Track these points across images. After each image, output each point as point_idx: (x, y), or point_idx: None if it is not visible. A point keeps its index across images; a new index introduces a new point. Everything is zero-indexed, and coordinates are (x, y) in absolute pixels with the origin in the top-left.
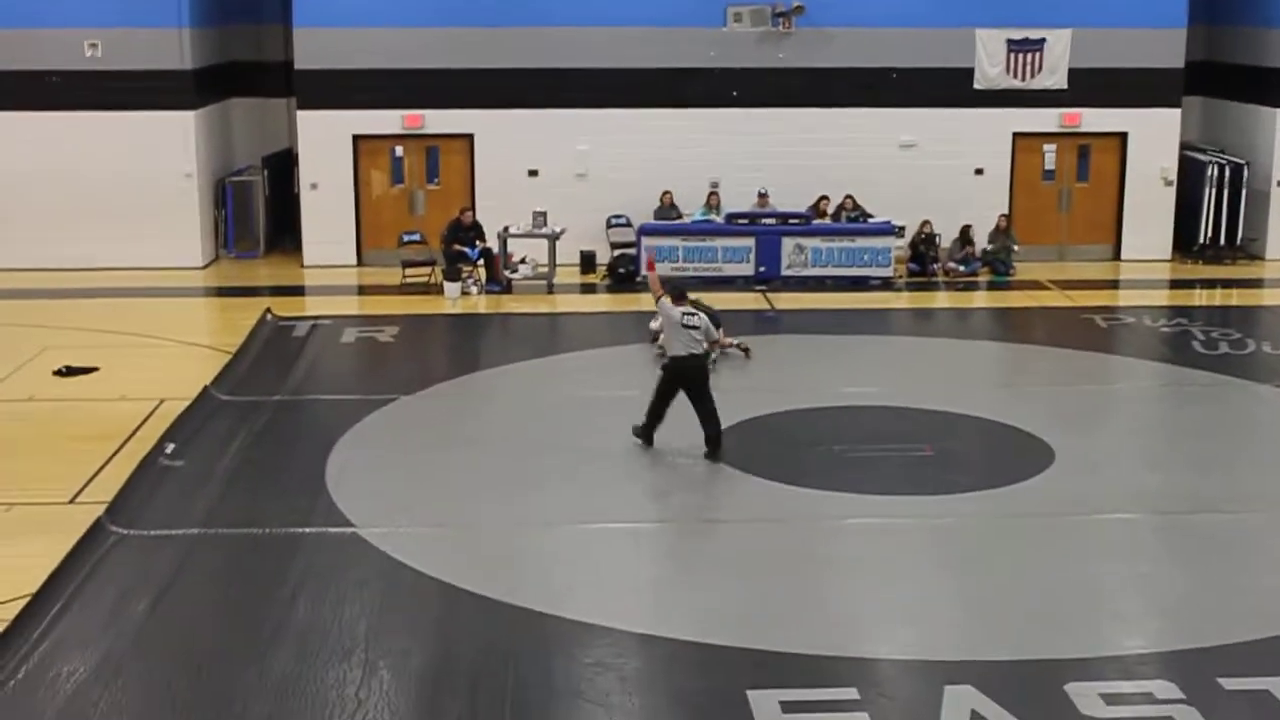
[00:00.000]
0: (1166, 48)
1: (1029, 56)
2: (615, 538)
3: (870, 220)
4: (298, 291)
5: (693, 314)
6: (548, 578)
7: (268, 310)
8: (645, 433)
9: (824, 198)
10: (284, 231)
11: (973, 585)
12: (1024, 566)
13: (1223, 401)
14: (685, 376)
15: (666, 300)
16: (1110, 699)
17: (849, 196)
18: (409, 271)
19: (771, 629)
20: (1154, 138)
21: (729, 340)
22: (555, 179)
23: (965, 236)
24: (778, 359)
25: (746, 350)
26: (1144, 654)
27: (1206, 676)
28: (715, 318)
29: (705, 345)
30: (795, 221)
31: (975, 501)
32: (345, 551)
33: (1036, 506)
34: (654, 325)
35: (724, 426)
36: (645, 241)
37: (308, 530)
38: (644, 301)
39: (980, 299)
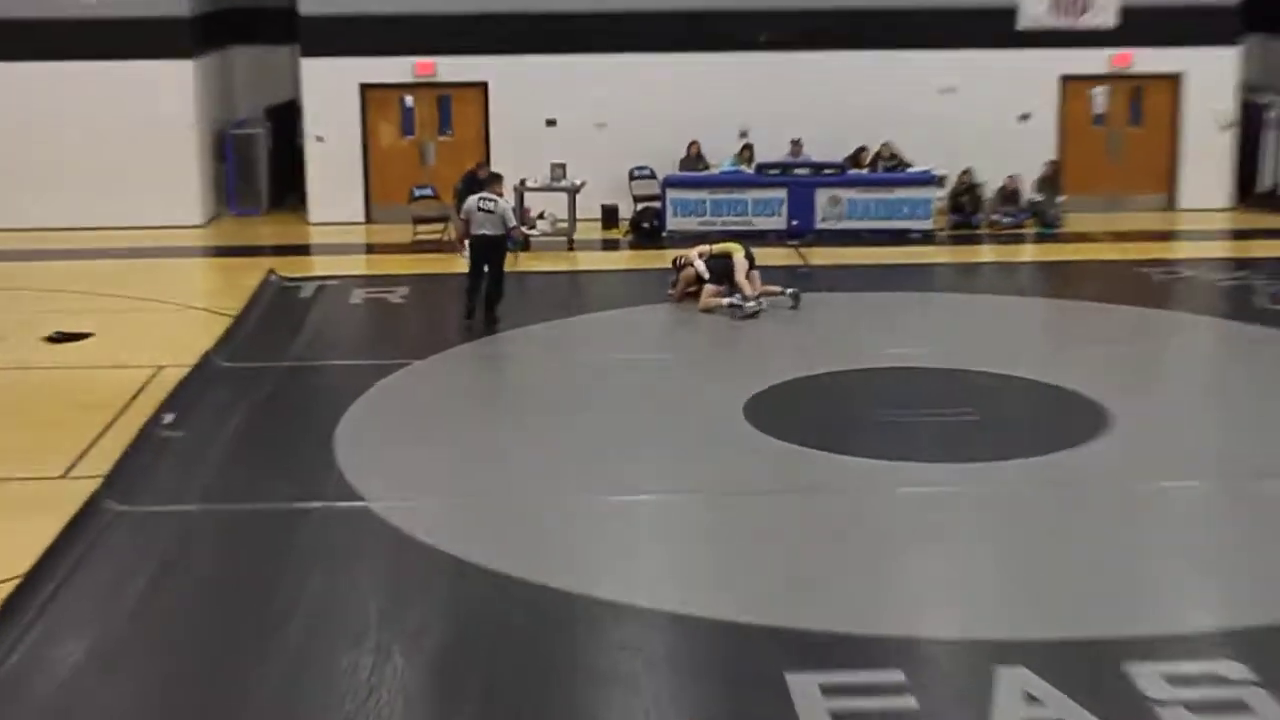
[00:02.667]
0: None
1: None
2: (642, 510)
3: (909, 169)
4: (303, 250)
5: (489, 200)
6: (571, 553)
7: (271, 271)
8: (467, 309)
9: (862, 149)
10: (288, 187)
11: (1024, 558)
12: (1079, 538)
13: None
14: (483, 251)
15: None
16: (1174, 680)
17: (887, 144)
18: (420, 228)
19: (810, 607)
20: (1211, 78)
21: (774, 288)
22: (574, 128)
23: (1010, 185)
24: (812, 318)
25: (796, 296)
26: (1210, 632)
27: (1279, 656)
28: (750, 258)
29: (502, 229)
30: (829, 171)
31: (1025, 469)
32: (356, 527)
33: (1092, 473)
34: (680, 272)
35: (760, 389)
36: (670, 194)
37: (316, 505)
38: (670, 258)
39: (1027, 252)
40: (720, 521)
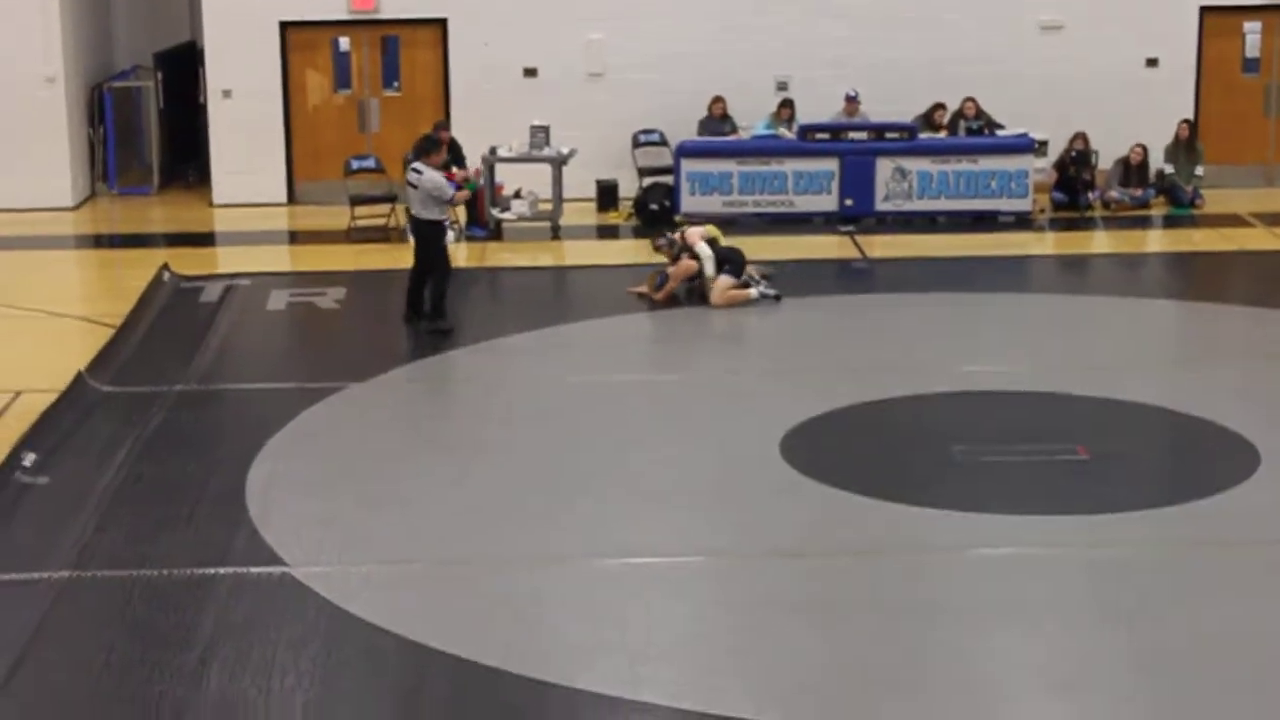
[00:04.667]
0: None
1: None
2: (646, 577)
3: (1000, 133)
4: (206, 240)
5: (415, 170)
6: (555, 633)
7: (165, 266)
8: (405, 307)
9: (939, 106)
10: (186, 158)
11: (1150, 643)
12: (1223, 616)
13: None
14: (414, 237)
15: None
16: None
17: (970, 100)
18: (360, 211)
19: (866, 705)
20: None
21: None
22: (561, 80)
23: (1135, 156)
24: (872, 327)
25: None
26: None
27: None
28: (730, 257)
29: (428, 210)
30: (895, 136)
31: (1150, 523)
32: (274, 599)
33: (1237, 530)
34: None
35: (802, 419)
36: (685, 167)
37: (222, 571)
38: (653, 241)
39: (1154, 240)
40: (745, 591)
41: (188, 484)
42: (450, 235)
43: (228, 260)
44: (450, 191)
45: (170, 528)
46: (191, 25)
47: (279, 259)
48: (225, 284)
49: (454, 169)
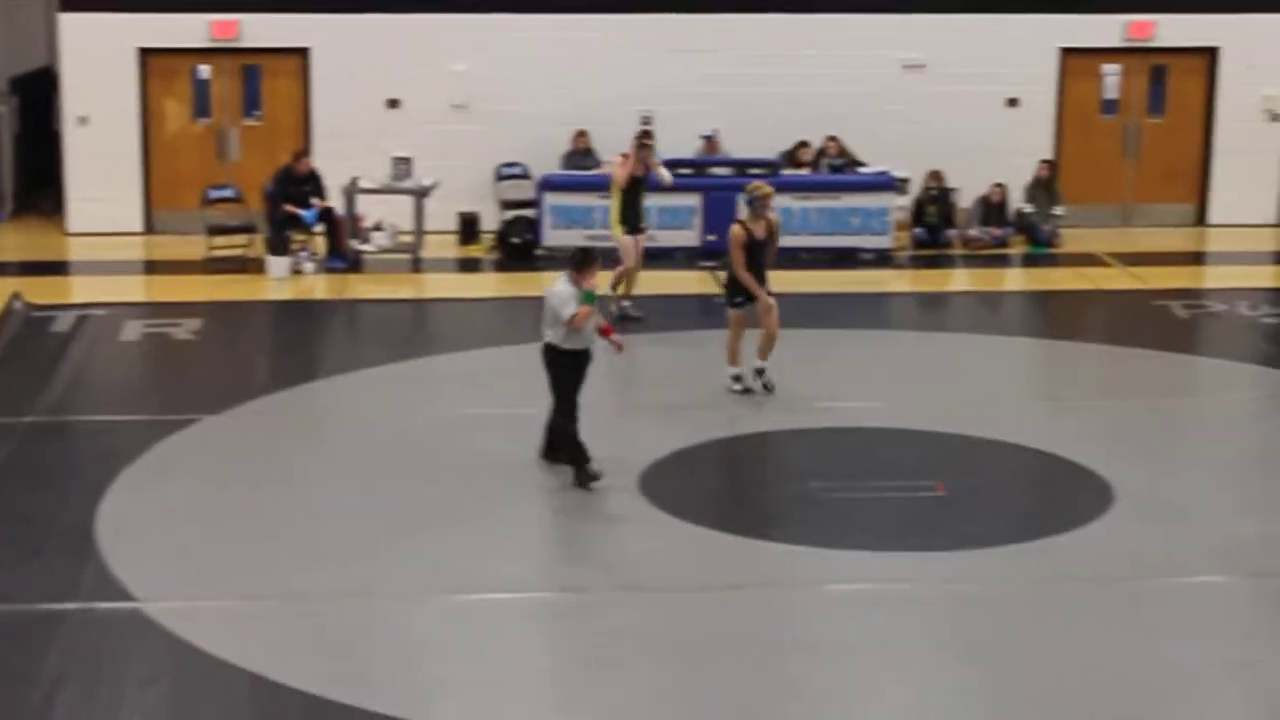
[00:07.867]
0: None
1: None
2: (503, 613)
3: (861, 171)
4: (59, 269)
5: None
6: (410, 669)
7: (15, 295)
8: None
9: (803, 144)
10: (39, 184)
11: (1006, 677)
12: (1077, 649)
13: None
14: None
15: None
16: None
17: (832, 139)
18: (218, 241)
19: None
20: (1256, 56)
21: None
22: (423, 112)
23: (994, 195)
24: None
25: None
26: None
27: None
28: None
29: (552, 333)
30: (757, 173)
31: (1006, 559)
32: (123, 636)
33: (1091, 566)
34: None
35: (661, 455)
36: (548, 200)
37: (69, 606)
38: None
39: (1013, 279)
40: (603, 627)
41: (36, 517)
42: (310, 267)
43: (81, 290)
44: (568, 311)
45: (17, 562)
46: (48, 50)
47: (134, 289)
48: (78, 314)
49: (314, 199)
